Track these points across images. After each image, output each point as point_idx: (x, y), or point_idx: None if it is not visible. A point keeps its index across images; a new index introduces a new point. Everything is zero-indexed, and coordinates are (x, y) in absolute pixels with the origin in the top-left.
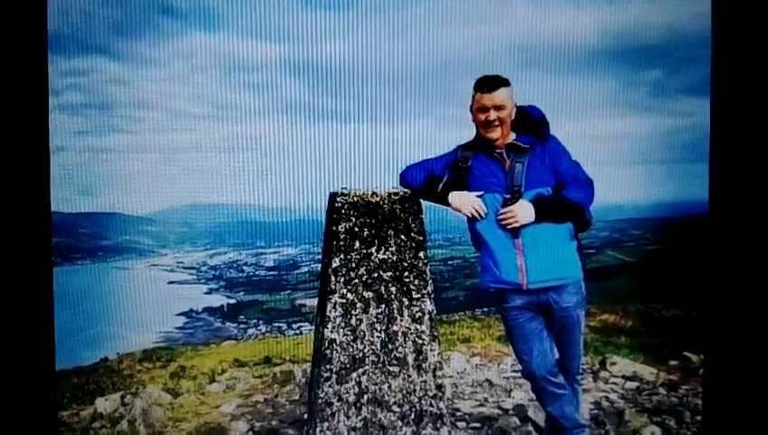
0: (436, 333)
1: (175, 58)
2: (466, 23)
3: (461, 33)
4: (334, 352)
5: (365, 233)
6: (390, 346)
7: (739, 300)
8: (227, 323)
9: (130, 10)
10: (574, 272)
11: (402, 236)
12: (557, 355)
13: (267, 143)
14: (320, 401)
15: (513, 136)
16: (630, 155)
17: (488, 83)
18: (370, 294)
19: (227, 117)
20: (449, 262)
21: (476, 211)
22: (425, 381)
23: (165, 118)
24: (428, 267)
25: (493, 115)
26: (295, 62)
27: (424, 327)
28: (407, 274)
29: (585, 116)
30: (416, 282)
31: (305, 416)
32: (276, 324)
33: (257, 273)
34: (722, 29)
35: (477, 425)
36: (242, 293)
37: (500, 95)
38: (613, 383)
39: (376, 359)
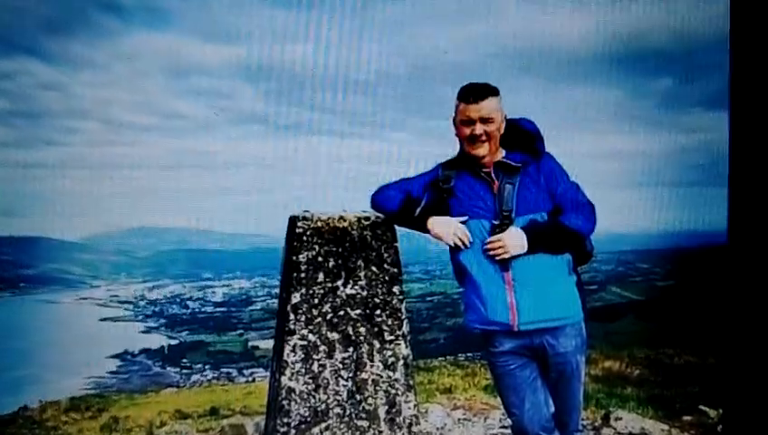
0: (411, 382)
1: (116, 61)
2: (449, 23)
3: (443, 35)
4: (293, 402)
5: (330, 264)
6: (359, 397)
7: (763, 345)
8: (168, 368)
9: (66, 6)
10: (573, 311)
11: (374, 268)
12: (553, 408)
13: (219, 159)
14: None
15: (502, 153)
16: (638, 176)
17: (474, 92)
18: (336, 335)
19: (174, 128)
20: (428, 298)
21: (460, 239)
22: None
23: (103, 129)
24: (404, 305)
25: (479, 129)
26: (253, 66)
27: (398, 375)
28: (378, 312)
29: (585, 130)
30: (389, 322)
31: None
32: (225, 370)
33: (204, 309)
34: (741, 33)
35: None
36: (185, 332)
37: (487, 106)
38: None
39: (341, 411)
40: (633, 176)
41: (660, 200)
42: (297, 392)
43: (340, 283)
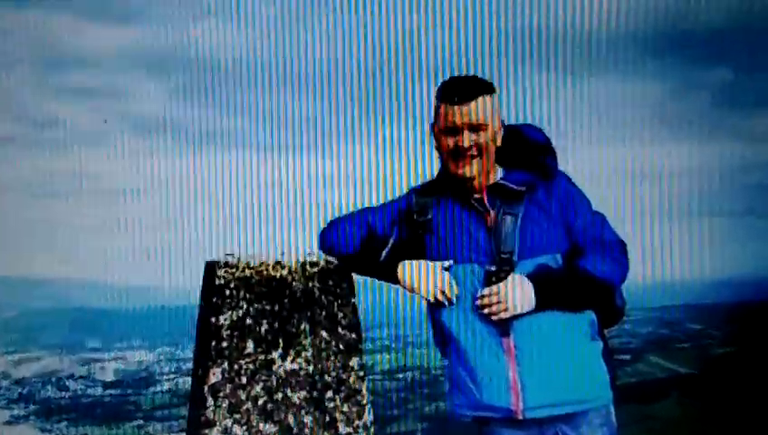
0: None
1: None
2: None
3: (420, 9)
4: None
5: (263, 328)
6: None
7: None
8: None
9: None
10: (598, 391)
11: (323, 334)
12: None
13: (109, 182)
14: None
15: (499, 173)
16: (685, 202)
17: (460, 90)
18: (272, 427)
19: (46, 140)
20: (399, 375)
21: (442, 292)
22: None
23: None
24: (365, 384)
25: (467, 139)
26: (156, 53)
27: None
28: (330, 394)
29: (613, 140)
30: (344, 407)
31: None
32: None
33: (89, 391)
34: None
35: None
36: (64, 423)
37: (479, 108)
38: None
39: None
40: (679, 202)
41: (717, 235)
42: None
43: (276, 354)
